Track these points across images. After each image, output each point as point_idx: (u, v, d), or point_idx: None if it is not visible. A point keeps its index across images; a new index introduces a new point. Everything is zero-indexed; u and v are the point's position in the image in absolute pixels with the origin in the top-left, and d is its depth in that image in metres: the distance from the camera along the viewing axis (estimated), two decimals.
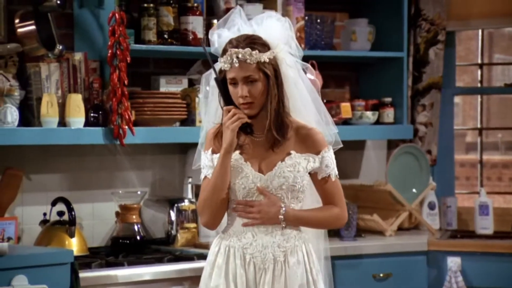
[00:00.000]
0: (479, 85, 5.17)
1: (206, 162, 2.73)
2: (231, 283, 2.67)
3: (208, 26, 3.89)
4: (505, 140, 11.98)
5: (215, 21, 3.92)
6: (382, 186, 4.43)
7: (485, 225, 4.51)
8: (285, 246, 2.68)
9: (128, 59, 3.59)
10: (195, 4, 3.85)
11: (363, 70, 4.63)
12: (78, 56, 3.65)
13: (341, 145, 2.81)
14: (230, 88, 2.68)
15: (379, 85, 4.52)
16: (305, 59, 4.25)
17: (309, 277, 2.70)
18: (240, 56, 2.62)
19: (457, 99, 5.63)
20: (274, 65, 2.66)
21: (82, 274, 3.25)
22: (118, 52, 3.58)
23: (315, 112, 2.76)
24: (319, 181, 2.73)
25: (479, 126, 5.16)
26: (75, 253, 3.41)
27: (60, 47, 3.53)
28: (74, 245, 3.57)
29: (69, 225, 3.59)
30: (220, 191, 2.67)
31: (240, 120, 2.64)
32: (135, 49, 3.67)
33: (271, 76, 2.65)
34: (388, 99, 4.42)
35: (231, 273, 2.68)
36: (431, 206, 4.63)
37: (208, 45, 2.76)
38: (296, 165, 2.68)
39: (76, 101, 3.54)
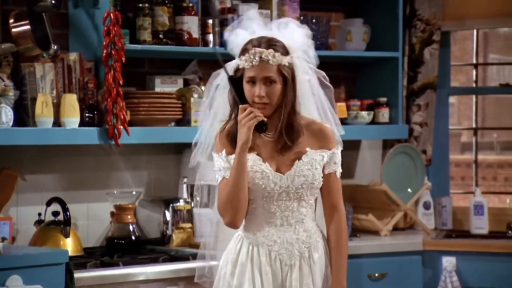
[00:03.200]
0: (474, 85, 5.18)
1: (222, 164, 2.74)
2: (257, 280, 2.70)
3: (203, 26, 3.90)
4: (500, 140, 11.99)
5: (210, 21, 3.92)
6: (377, 186, 4.43)
7: (480, 225, 4.52)
8: (308, 242, 2.74)
9: (123, 59, 3.59)
10: (190, 4, 3.85)
11: (358, 70, 4.64)
12: (73, 56, 3.64)
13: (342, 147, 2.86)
14: (246, 86, 2.71)
15: (375, 85, 4.52)
16: None
17: (328, 272, 2.76)
18: (263, 56, 2.66)
19: (452, 99, 5.62)
20: (292, 69, 2.71)
21: (77, 274, 3.25)
22: (113, 52, 3.57)
23: (327, 116, 2.82)
24: (325, 175, 2.77)
25: (474, 126, 5.17)
26: (70, 253, 3.40)
27: (55, 47, 3.52)
28: (69, 245, 3.57)
29: (64, 225, 3.58)
30: (241, 189, 2.69)
31: (256, 118, 2.67)
32: (130, 49, 3.67)
33: (289, 80, 2.69)
34: (384, 99, 4.43)
35: (257, 270, 2.71)
36: (426, 206, 4.64)
37: (221, 45, 2.78)
38: (313, 163, 2.73)
39: (71, 101, 3.54)
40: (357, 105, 4.38)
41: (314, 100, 2.79)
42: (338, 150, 2.80)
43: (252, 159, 2.72)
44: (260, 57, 2.66)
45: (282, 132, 2.71)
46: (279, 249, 2.72)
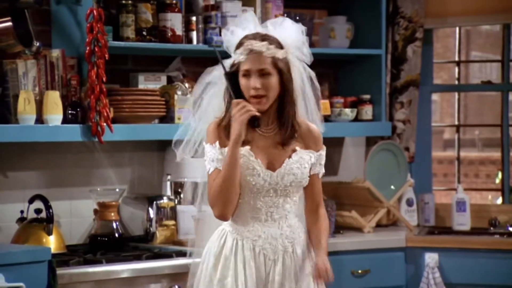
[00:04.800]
0: (456, 82, 5.21)
1: (216, 155, 2.74)
2: (240, 274, 2.71)
3: (186, 23, 3.89)
4: (482, 137, 12.06)
5: (193, 18, 3.92)
6: (361, 183, 4.45)
7: (462, 221, 4.55)
8: (292, 237, 2.77)
9: (106, 56, 3.58)
10: (174, 1, 3.84)
11: (341, 67, 4.65)
12: (55, 53, 3.63)
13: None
14: (243, 80, 2.72)
15: (358, 82, 4.53)
16: None
17: (311, 266, 2.78)
18: (257, 48, 2.68)
19: (434, 96, 5.65)
20: (287, 64, 2.73)
21: (60, 272, 3.23)
22: (96, 49, 3.56)
23: (312, 114, 2.85)
24: (310, 176, 2.81)
25: (456, 123, 5.20)
26: (53, 250, 3.38)
27: (37, 44, 3.50)
28: (51, 242, 3.55)
29: (46, 222, 3.57)
30: (231, 183, 2.69)
31: (249, 112, 2.67)
32: (113, 46, 3.66)
33: (285, 72, 2.72)
34: (367, 96, 4.44)
35: (241, 264, 2.72)
36: (409, 203, 4.66)
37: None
38: (302, 161, 2.76)
39: (54, 98, 3.52)
40: (340, 102, 4.39)
41: (302, 97, 2.80)
42: (324, 152, 2.84)
43: (244, 154, 2.73)
44: (254, 50, 2.68)
45: (286, 125, 2.73)
46: (263, 244, 2.74)
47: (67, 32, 3.70)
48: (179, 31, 3.84)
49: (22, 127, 3.45)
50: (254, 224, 2.76)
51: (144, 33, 3.79)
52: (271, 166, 2.75)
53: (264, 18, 4.10)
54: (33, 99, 3.48)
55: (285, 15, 4.18)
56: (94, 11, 3.55)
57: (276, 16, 4.11)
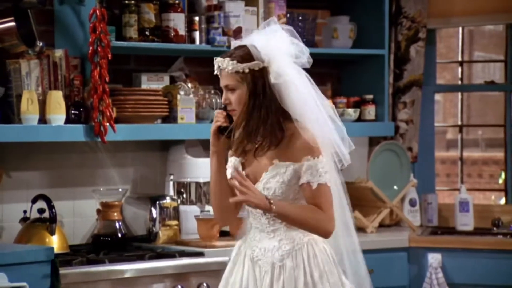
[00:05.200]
0: (459, 82, 5.20)
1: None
2: (244, 281, 2.74)
3: (189, 23, 3.89)
4: (485, 137, 12.05)
5: (196, 18, 3.92)
6: (364, 183, 4.45)
7: (465, 221, 4.54)
8: (284, 249, 2.72)
9: (109, 56, 3.58)
10: (177, 1, 3.84)
11: (344, 68, 4.64)
12: (58, 53, 3.63)
13: (353, 147, 2.85)
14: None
15: (361, 82, 4.53)
16: None
17: (308, 280, 2.70)
18: (219, 65, 2.72)
19: (437, 97, 5.64)
20: (257, 76, 2.69)
21: (63, 272, 3.24)
22: (99, 49, 3.56)
23: (317, 115, 2.75)
24: (302, 187, 2.72)
25: (459, 123, 5.19)
26: (56, 250, 3.39)
27: (40, 44, 3.51)
28: (54, 242, 3.55)
29: (49, 222, 3.57)
30: (213, 191, 2.77)
31: (216, 123, 2.76)
32: (116, 46, 3.66)
33: (250, 86, 2.69)
34: (370, 97, 4.44)
35: (245, 272, 2.75)
36: (412, 203, 4.65)
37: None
38: (276, 175, 2.71)
39: (57, 98, 3.53)
40: (343, 102, 4.39)
41: (301, 103, 2.71)
42: (312, 161, 2.69)
43: (234, 164, 2.77)
44: (218, 67, 2.73)
45: (250, 135, 2.70)
46: (258, 254, 2.74)
47: (70, 32, 3.71)
48: (182, 31, 3.84)
49: (25, 127, 3.46)
50: (255, 233, 2.77)
51: (147, 33, 3.79)
52: (254, 179, 2.73)
53: (266, 18, 4.10)
54: (36, 99, 3.48)
55: (288, 15, 4.18)
56: (97, 11, 3.56)
57: (279, 16, 4.11)
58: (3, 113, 3.51)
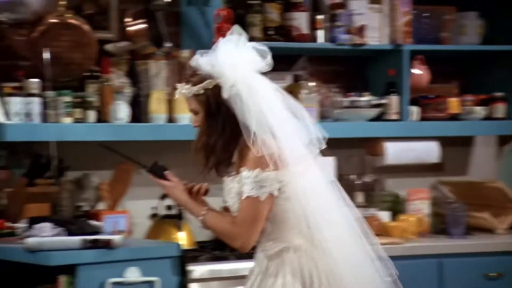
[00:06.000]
0: None
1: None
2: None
3: (312, 22, 3.89)
4: None
5: (319, 16, 3.91)
6: (493, 182, 4.32)
7: None
8: (259, 261, 2.68)
9: None
10: (300, 0, 3.85)
11: (473, 65, 4.52)
12: (185, 53, 3.71)
13: (324, 145, 2.66)
14: None
15: (490, 79, 4.41)
16: (413, 53, 4.18)
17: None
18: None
19: None
20: (209, 95, 2.60)
21: (190, 268, 3.30)
22: None
23: (292, 120, 2.69)
24: None
25: None
26: (183, 246, 3.47)
27: (168, 45, 3.59)
28: (182, 239, 3.63)
29: (177, 219, 3.65)
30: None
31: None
32: None
33: (204, 106, 2.62)
34: (500, 94, 4.31)
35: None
36: None
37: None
38: (229, 191, 2.67)
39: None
40: (471, 100, 4.28)
41: (253, 113, 2.57)
42: (246, 172, 2.57)
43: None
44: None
45: (206, 155, 2.69)
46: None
47: (196, 33, 3.78)
48: (305, 30, 3.84)
49: (154, 126, 3.56)
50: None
51: (271, 32, 3.81)
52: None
53: (392, 16, 4.06)
54: (164, 98, 3.58)
55: (415, 12, 4.11)
56: (224, 12, 3.61)
57: (404, 14, 4.05)
58: (134, 113, 3.63)
